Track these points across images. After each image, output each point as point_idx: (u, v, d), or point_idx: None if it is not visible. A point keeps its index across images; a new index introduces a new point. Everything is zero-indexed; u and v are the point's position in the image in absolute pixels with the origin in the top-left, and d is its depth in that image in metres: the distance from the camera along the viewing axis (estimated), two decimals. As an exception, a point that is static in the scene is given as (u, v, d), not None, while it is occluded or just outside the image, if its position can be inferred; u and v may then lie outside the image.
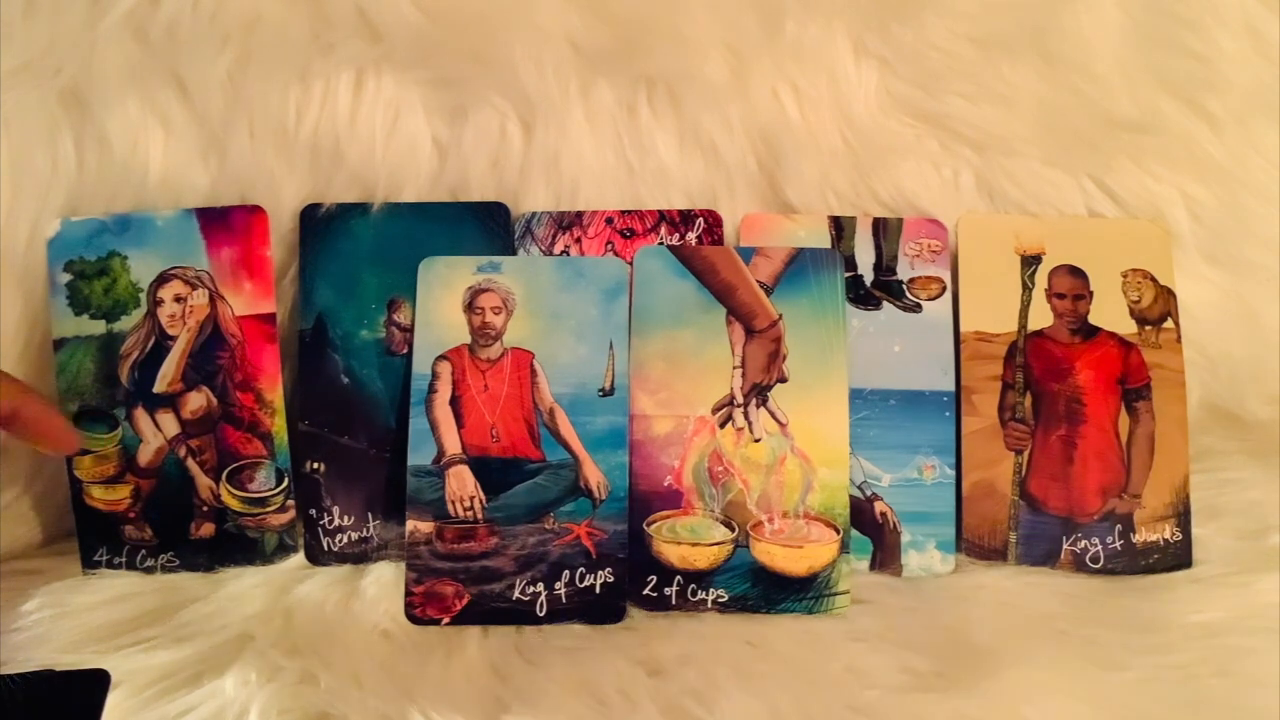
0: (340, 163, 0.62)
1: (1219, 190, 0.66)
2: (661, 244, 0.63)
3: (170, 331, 0.60)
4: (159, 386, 0.59)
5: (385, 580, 0.57)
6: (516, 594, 0.56)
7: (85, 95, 0.59)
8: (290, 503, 0.60)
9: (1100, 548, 0.60)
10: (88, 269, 0.59)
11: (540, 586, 0.56)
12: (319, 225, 0.62)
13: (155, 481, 0.59)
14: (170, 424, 0.59)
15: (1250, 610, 0.55)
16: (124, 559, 0.59)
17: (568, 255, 0.63)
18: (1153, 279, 0.63)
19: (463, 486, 0.58)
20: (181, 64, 0.60)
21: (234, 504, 0.59)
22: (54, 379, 0.59)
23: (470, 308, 0.60)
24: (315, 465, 0.60)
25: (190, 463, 0.59)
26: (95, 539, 0.59)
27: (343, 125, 0.61)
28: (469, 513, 0.57)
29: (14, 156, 0.59)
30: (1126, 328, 0.62)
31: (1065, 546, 0.60)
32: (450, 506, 0.57)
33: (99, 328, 0.59)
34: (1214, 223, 0.66)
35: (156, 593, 0.56)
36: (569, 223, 0.64)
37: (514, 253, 0.63)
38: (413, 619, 0.55)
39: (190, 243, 0.60)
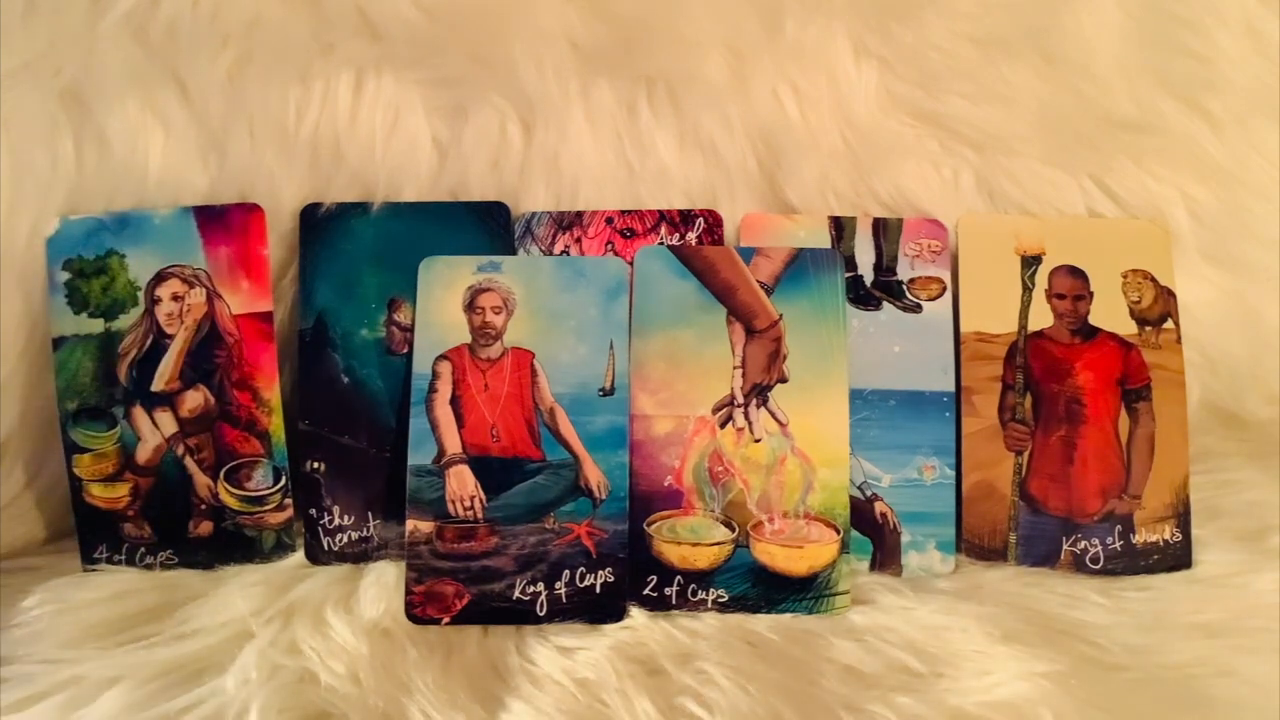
0: (340, 163, 0.62)
1: (1219, 190, 0.66)
2: (662, 244, 0.63)
3: (168, 330, 0.60)
4: (157, 385, 0.59)
5: (385, 580, 0.57)
6: (516, 594, 0.56)
7: (85, 95, 0.59)
8: (288, 501, 0.60)
9: (1100, 548, 0.60)
10: (86, 267, 0.60)
11: (540, 586, 0.56)
12: (319, 225, 0.62)
13: (154, 479, 0.59)
14: (168, 422, 0.60)
15: (1250, 610, 0.55)
16: (124, 556, 0.59)
17: (568, 255, 0.63)
18: (1153, 279, 0.63)
19: (463, 486, 0.58)
20: (181, 64, 0.60)
21: (232, 502, 0.60)
22: (53, 377, 0.59)
23: (470, 307, 0.60)
24: (315, 465, 0.60)
25: (188, 461, 0.60)
26: (95, 537, 0.59)
27: (343, 125, 0.62)
28: (469, 512, 0.57)
29: (14, 156, 0.59)
30: (1126, 328, 0.62)
31: (1065, 547, 0.60)
32: (450, 506, 0.57)
33: (97, 326, 0.59)
34: (1214, 223, 0.66)
35: (157, 590, 0.56)
36: (569, 223, 0.64)
37: (514, 253, 0.63)
38: (413, 618, 0.55)
39: (188, 241, 0.60)
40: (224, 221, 0.60)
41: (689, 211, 0.64)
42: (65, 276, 0.60)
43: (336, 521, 0.60)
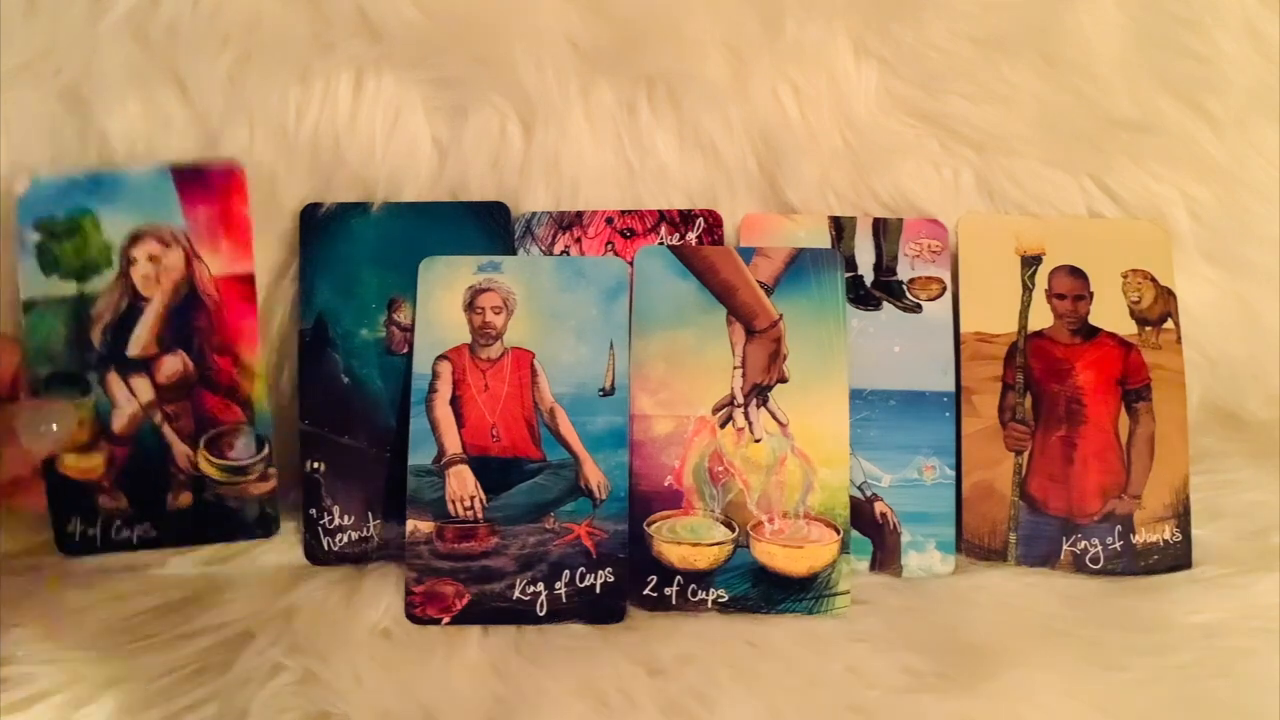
0: (340, 163, 0.62)
1: (1219, 190, 0.66)
2: (662, 244, 0.63)
3: (144, 293, 0.58)
4: (133, 350, 0.57)
5: (385, 580, 0.57)
6: (517, 594, 0.56)
7: (85, 95, 0.59)
8: (271, 471, 0.58)
9: (1100, 548, 0.60)
10: (57, 228, 0.57)
11: (540, 586, 0.56)
12: (319, 225, 0.62)
13: (130, 449, 0.57)
14: (145, 389, 0.57)
15: (1250, 611, 0.55)
16: (98, 530, 0.57)
17: (568, 255, 0.63)
18: (1153, 279, 0.63)
19: (463, 486, 0.58)
20: (181, 64, 0.60)
21: (213, 472, 0.58)
22: (23, 342, 0.57)
23: (470, 307, 0.60)
24: (315, 465, 0.60)
25: (166, 429, 0.57)
26: (69, 509, 0.57)
27: (343, 125, 0.61)
28: (469, 512, 0.57)
29: (14, 156, 0.59)
30: (1126, 328, 0.62)
31: (1065, 547, 0.60)
32: (450, 506, 0.57)
33: (70, 289, 0.57)
34: (1214, 223, 0.66)
35: (157, 591, 0.56)
36: (569, 223, 0.64)
37: (514, 253, 0.63)
38: (413, 619, 0.55)
39: (165, 200, 0.58)
40: (203, 181, 0.58)
41: (689, 211, 0.64)
42: (36, 238, 0.57)
43: (336, 521, 0.60)
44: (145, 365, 0.58)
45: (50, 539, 0.59)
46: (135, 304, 0.58)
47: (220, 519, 0.58)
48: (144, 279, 0.58)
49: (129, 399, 0.57)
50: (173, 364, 0.58)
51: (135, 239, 0.58)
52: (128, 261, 0.58)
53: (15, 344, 0.55)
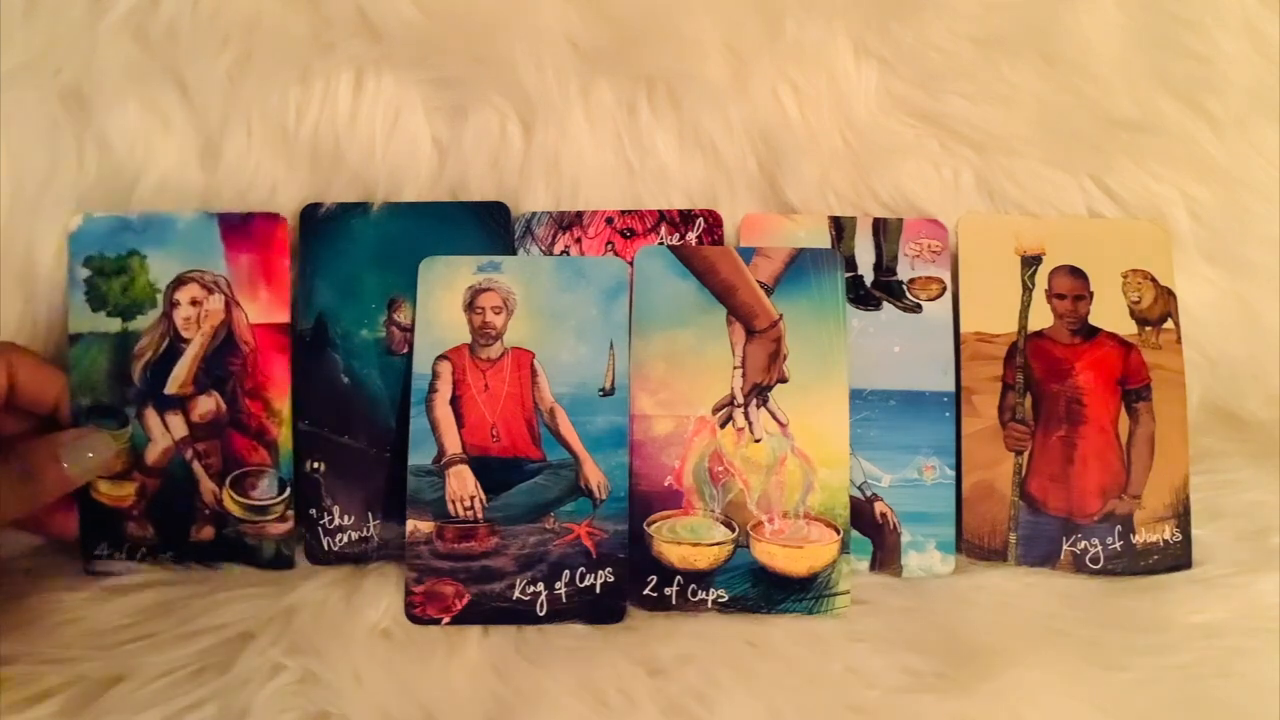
0: (340, 163, 0.62)
1: (1219, 190, 0.66)
2: (662, 244, 0.63)
3: (185, 334, 0.60)
4: (170, 388, 0.59)
5: (385, 580, 0.57)
6: (517, 594, 0.56)
7: (85, 95, 0.59)
8: (290, 513, 0.60)
9: (1100, 548, 0.60)
10: (107, 266, 0.59)
11: (540, 586, 0.56)
12: (319, 225, 0.62)
13: (160, 481, 0.59)
14: (179, 426, 0.59)
15: (1250, 611, 0.55)
16: (124, 555, 0.59)
17: (568, 255, 0.63)
18: (1153, 279, 0.63)
19: (463, 486, 0.58)
20: (181, 64, 0.60)
21: (235, 510, 0.59)
22: (68, 373, 0.59)
23: (470, 307, 0.60)
24: (315, 465, 0.60)
25: (195, 466, 0.59)
26: (98, 534, 0.58)
27: (343, 125, 0.61)
28: (469, 512, 0.57)
29: (14, 156, 0.59)
30: (1127, 328, 0.62)
31: (1065, 547, 0.60)
32: (450, 506, 0.57)
33: (114, 325, 0.59)
34: (1214, 223, 0.66)
35: (157, 590, 0.56)
36: (569, 223, 0.64)
37: (514, 253, 0.63)
38: (413, 619, 0.55)
39: (210, 246, 0.60)
40: (247, 229, 0.60)
41: (689, 211, 0.64)
42: (86, 274, 0.59)
43: (336, 521, 0.60)
44: (181, 403, 0.59)
45: (55, 544, 0.60)
46: (176, 344, 0.60)
47: (238, 554, 0.59)
48: (185, 321, 0.60)
49: (163, 434, 0.59)
50: (206, 404, 0.59)
51: (180, 282, 0.60)
52: (171, 303, 0.60)
53: (61, 374, 0.58)
